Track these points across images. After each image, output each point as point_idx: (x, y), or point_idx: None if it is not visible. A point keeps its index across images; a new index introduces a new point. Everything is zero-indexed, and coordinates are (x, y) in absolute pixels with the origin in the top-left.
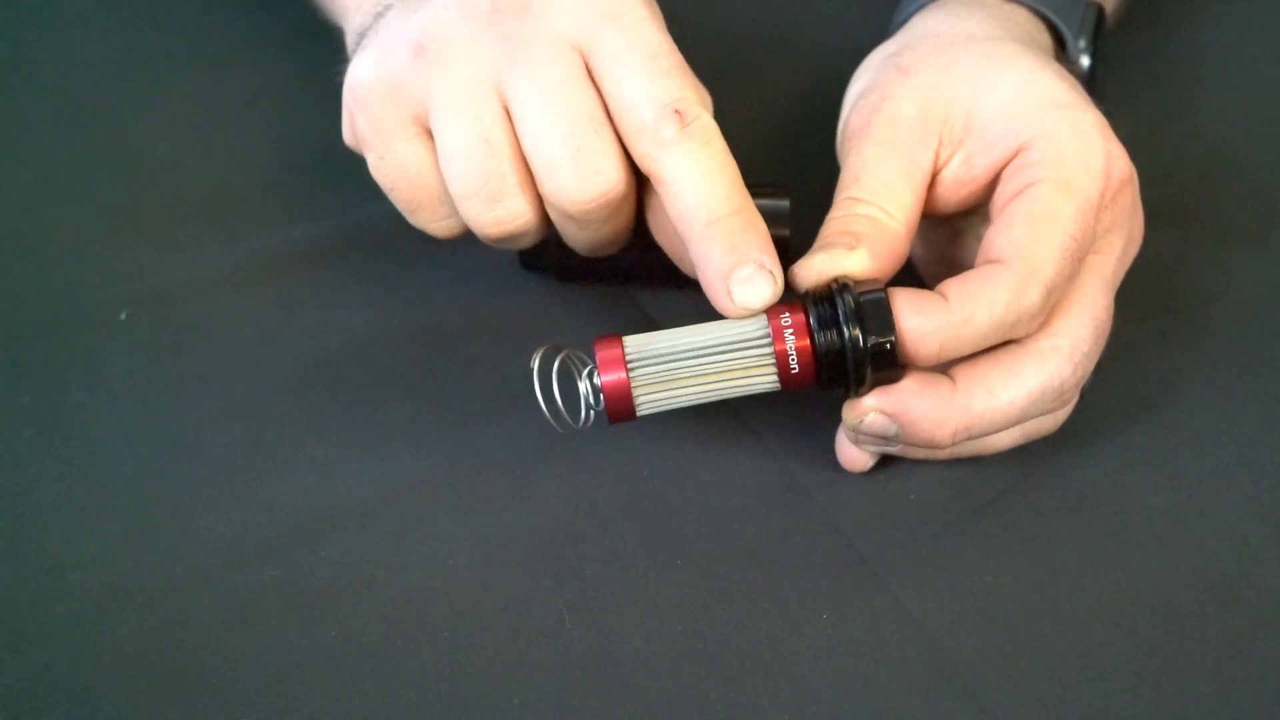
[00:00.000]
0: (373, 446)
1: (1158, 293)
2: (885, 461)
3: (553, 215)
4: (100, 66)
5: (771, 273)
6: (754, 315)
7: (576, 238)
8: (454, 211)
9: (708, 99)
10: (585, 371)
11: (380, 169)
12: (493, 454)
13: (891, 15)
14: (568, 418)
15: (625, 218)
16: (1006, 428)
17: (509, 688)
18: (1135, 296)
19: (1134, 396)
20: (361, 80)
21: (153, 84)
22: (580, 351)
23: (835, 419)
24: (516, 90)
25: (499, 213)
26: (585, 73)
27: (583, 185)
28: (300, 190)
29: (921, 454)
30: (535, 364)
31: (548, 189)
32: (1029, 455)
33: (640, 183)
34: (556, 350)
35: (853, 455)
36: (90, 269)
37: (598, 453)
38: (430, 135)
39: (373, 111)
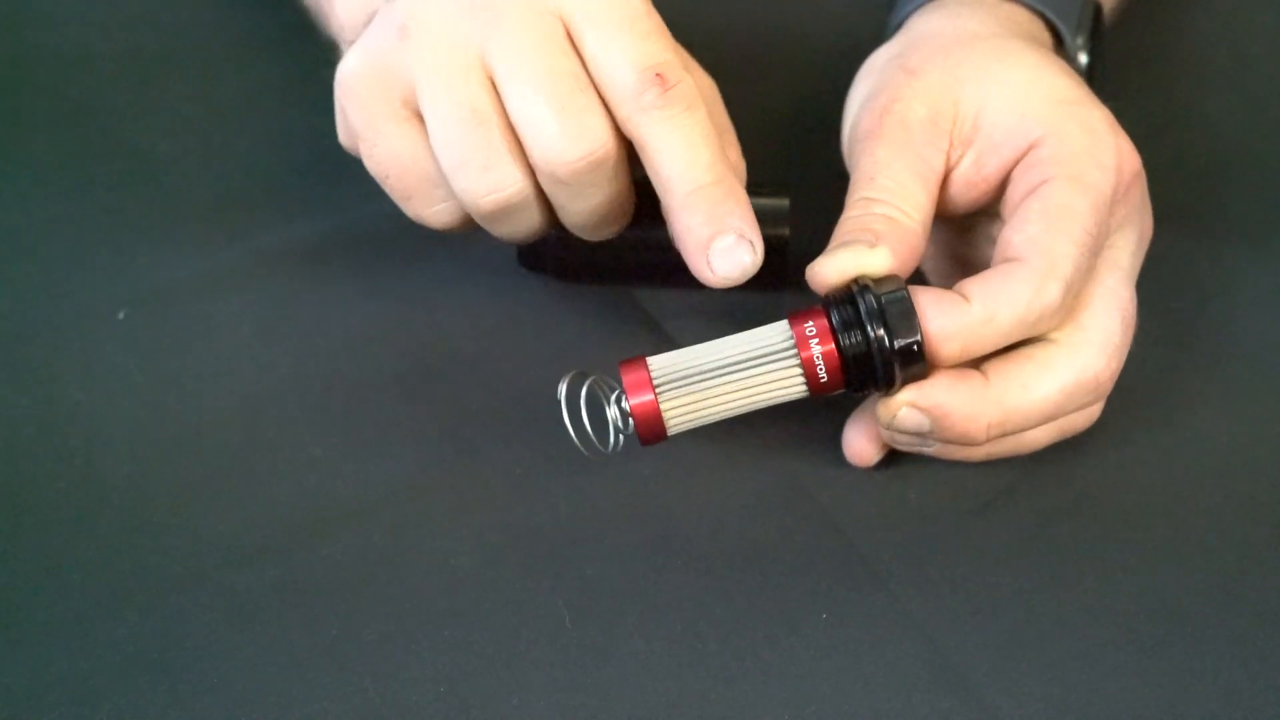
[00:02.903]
0: (373, 446)
1: (1158, 292)
2: (886, 461)
3: (546, 185)
4: (100, 66)
5: (751, 242)
6: (730, 282)
7: (572, 210)
8: (449, 195)
9: (693, 64)
10: (614, 397)
11: (373, 158)
12: (493, 454)
13: (888, 16)
14: (598, 444)
15: (618, 186)
16: (1041, 423)
17: (509, 688)
18: (1136, 295)
19: (1134, 396)
20: (350, 70)
21: (152, 84)
22: (606, 377)
23: (836, 419)
24: (499, 58)
25: (490, 181)
26: (566, 37)
27: (570, 145)
28: (300, 190)
29: (959, 454)
30: (562, 393)
31: (536, 153)
32: (1029, 455)
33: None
34: (582, 377)
35: (860, 449)
36: (89, 268)
37: None
38: (420, 119)
39: (361, 99)
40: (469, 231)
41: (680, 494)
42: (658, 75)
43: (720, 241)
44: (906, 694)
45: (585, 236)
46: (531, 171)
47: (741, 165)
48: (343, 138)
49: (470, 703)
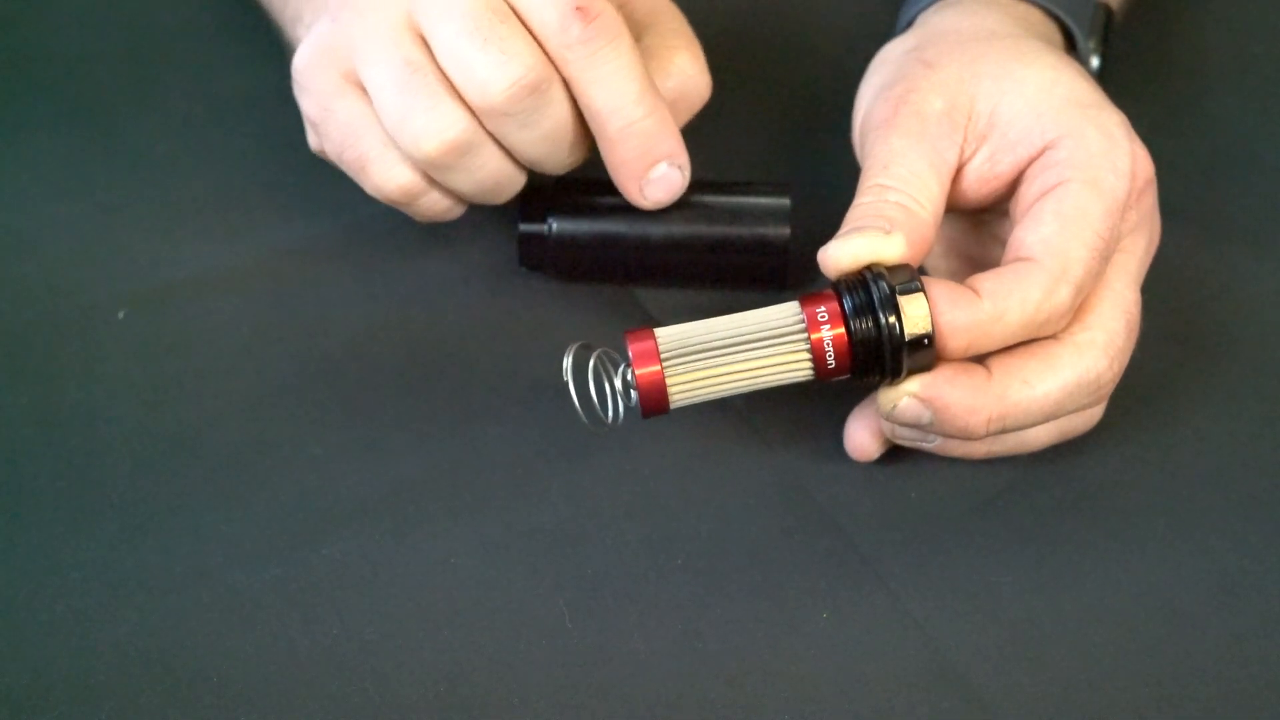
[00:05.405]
0: (373, 446)
1: (1159, 291)
2: (887, 460)
3: (490, 123)
4: (99, 65)
5: (681, 167)
6: (660, 205)
7: (523, 141)
8: (403, 156)
9: None
10: (620, 370)
11: (329, 137)
12: (493, 453)
13: (897, 13)
14: (601, 416)
15: (562, 110)
16: (1041, 421)
17: (509, 688)
18: (1141, 299)
19: (1134, 396)
20: (299, 65)
21: (151, 83)
22: (611, 350)
23: (837, 416)
24: (422, 13)
25: (435, 124)
26: None
27: (497, 73)
28: (299, 189)
29: (959, 450)
30: (568, 362)
31: (469, 89)
32: (1030, 454)
33: None
34: (587, 349)
35: (861, 443)
36: (88, 267)
37: (598, 451)
38: (364, 90)
39: (311, 87)
40: (435, 205)
41: (680, 493)
42: (578, 9)
43: (653, 171)
44: (906, 694)
45: (550, 170)
46: (475, 113)
47: (702, 78)
48: (310, 140)
49: (470, 703)
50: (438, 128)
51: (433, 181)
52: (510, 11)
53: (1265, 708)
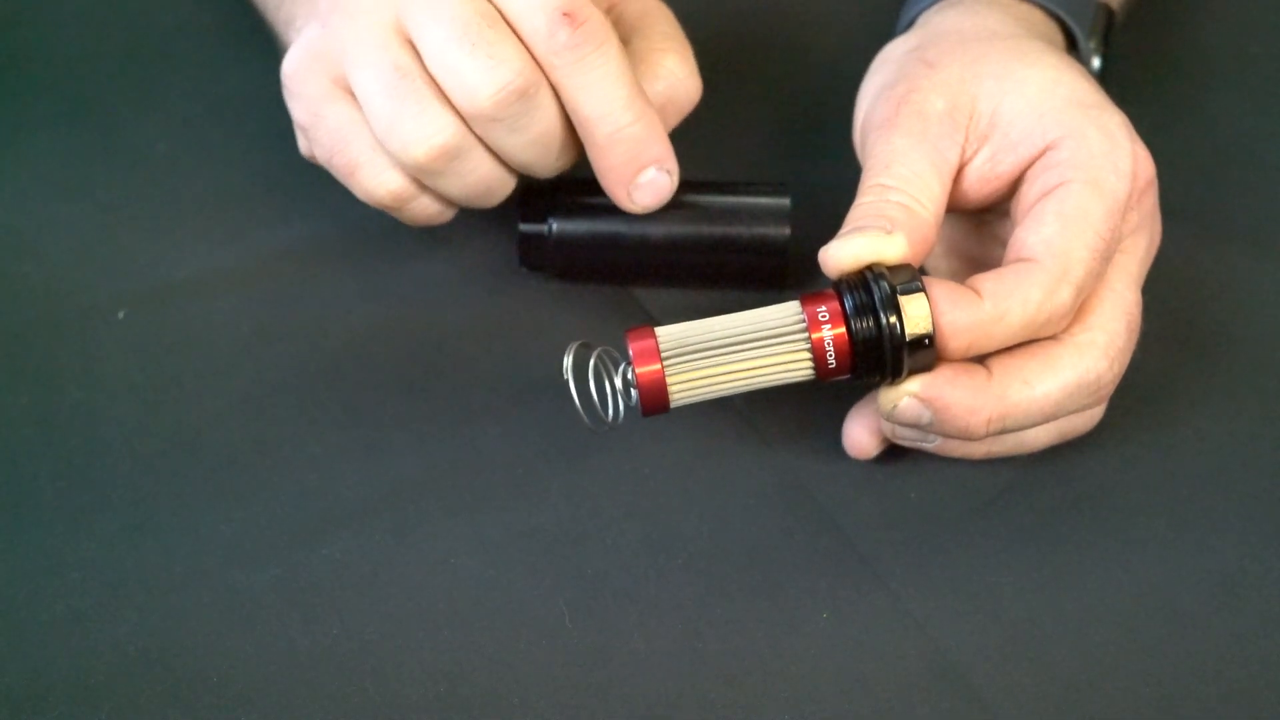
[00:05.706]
0: (373, 446)
1: (1159, 291)
2: (887, 459)
3: (479, 128)
4: (99, 65)
5: (669, 171)
6: (649, 209)
7: (512, 146)
8: (393, 161)
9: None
10: (620, 369)
11: (318, 142)
12: (493, 453)
13: (898, 13)
14: (601, 415)
15: (552, 114)
16: (1042, 421)
17: (509, 688)
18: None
19: (1134, 396)
20: (288, 70)
21: (151, 82)
22: (611, 349)
23: (837, 416)
24: (411, 18)
25: (423, 129)
26: None
27: (485, 78)
28: (299, 189)
29: (959, 451)
30: (568, 361)
31: (458, 94)
32: (1030, 455)
33: None
34: (587, 348)
35: (859, 441)
36: (88, 267)
37: (598, 451)
38: (353, 95)
39: (301, 92)
40: (425, 210)
41: (680, 493)
42: (565, 15)
43: (641, 176)
44: (906, 694)
45: (540, 174)
46: (463, 118)
47: (691, 80)
48: (301, 146)
49: (470, 703)
50: (426, 133)
51: (422, 186)
52: (499, 17)
53: (1265, 708)
